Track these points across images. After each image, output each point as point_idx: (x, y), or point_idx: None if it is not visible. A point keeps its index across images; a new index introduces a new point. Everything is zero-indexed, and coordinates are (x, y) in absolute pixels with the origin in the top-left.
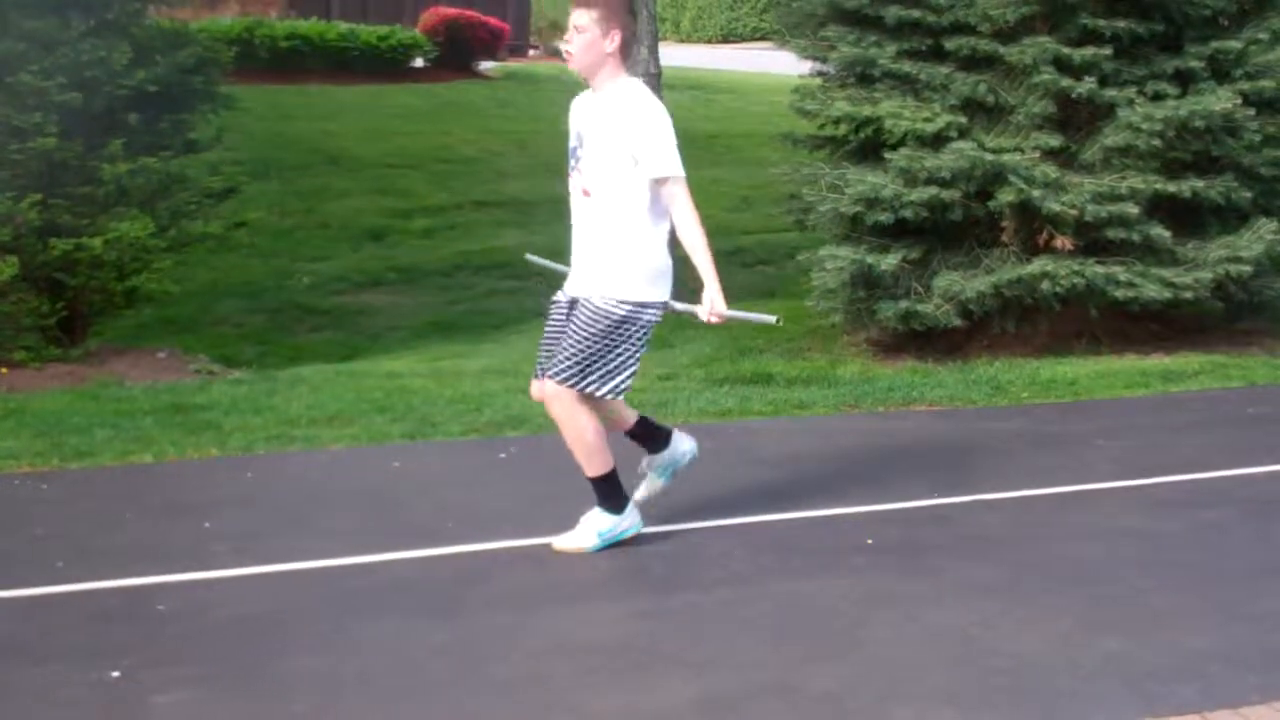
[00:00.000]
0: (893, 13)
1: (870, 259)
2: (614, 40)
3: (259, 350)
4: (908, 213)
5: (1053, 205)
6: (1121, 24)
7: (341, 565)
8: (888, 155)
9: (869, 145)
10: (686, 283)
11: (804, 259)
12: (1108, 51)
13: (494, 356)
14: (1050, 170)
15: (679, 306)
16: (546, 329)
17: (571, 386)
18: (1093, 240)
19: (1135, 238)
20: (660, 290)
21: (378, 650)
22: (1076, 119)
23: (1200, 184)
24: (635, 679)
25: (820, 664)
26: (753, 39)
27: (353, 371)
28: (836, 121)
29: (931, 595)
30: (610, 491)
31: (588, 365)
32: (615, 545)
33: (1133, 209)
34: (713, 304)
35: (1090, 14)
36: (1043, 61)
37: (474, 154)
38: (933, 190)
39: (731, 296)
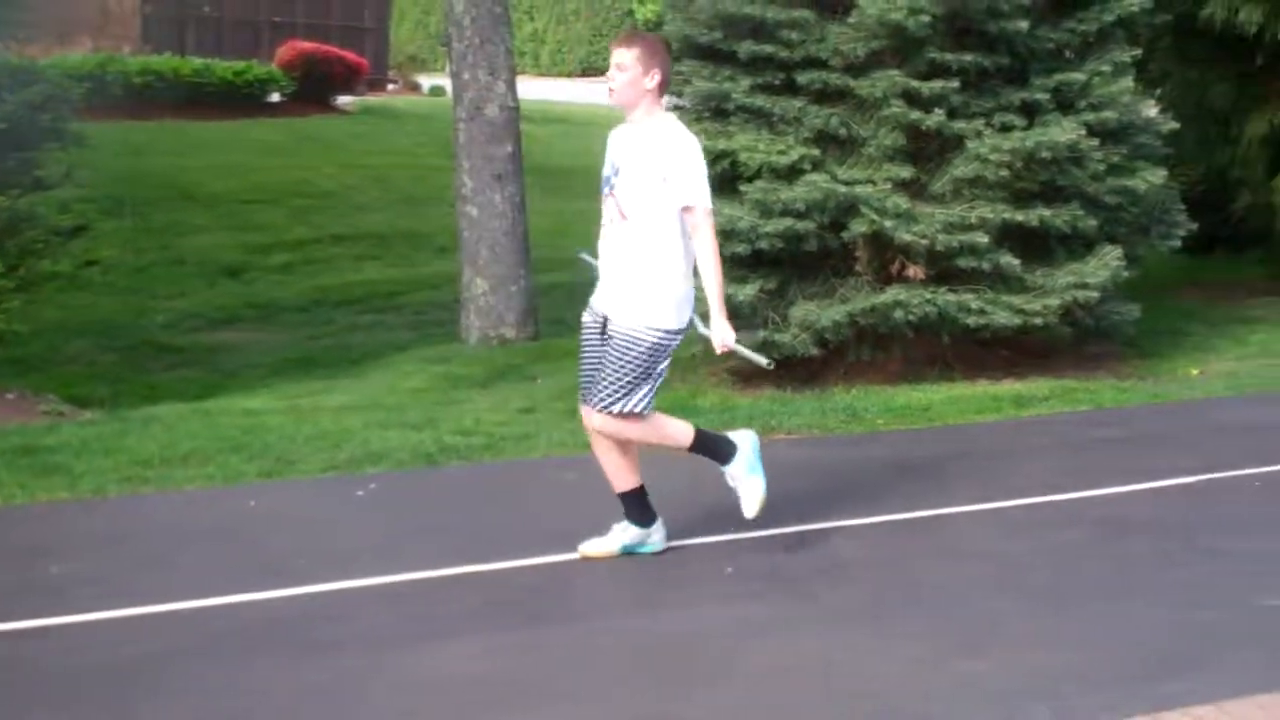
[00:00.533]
0: (746, 48)
1: (729, 289)
2: (654, 78)
3: (112, 390)
4: (764, 244)
5: (904, 235)
6: (969, 58)
7: (203, 607)
8: (744, 188)
9: (725, 178)
10: None
11: None
12: (956, 84)
13: (354, 392)
14: (901, 201)
15: (701, 329)
16: (583, 354)
17: (616, 413)
18: (944, 269)
19: (985, 266)
20: (685, 314)
21: (249, 693)
22: (927, 150)
23: (1047, 213)
24: (509, 713)
25: (691, 693)
26: None
27: (208, 410)
28: None
29: (792, 622)
30: (641, 505)
31: (629, 390)
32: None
33: (982, 238)
34: (722, 337)
35: (938, 48)
36: (892, 95)
37: (332, 188)
38: (788, 222)
39: None
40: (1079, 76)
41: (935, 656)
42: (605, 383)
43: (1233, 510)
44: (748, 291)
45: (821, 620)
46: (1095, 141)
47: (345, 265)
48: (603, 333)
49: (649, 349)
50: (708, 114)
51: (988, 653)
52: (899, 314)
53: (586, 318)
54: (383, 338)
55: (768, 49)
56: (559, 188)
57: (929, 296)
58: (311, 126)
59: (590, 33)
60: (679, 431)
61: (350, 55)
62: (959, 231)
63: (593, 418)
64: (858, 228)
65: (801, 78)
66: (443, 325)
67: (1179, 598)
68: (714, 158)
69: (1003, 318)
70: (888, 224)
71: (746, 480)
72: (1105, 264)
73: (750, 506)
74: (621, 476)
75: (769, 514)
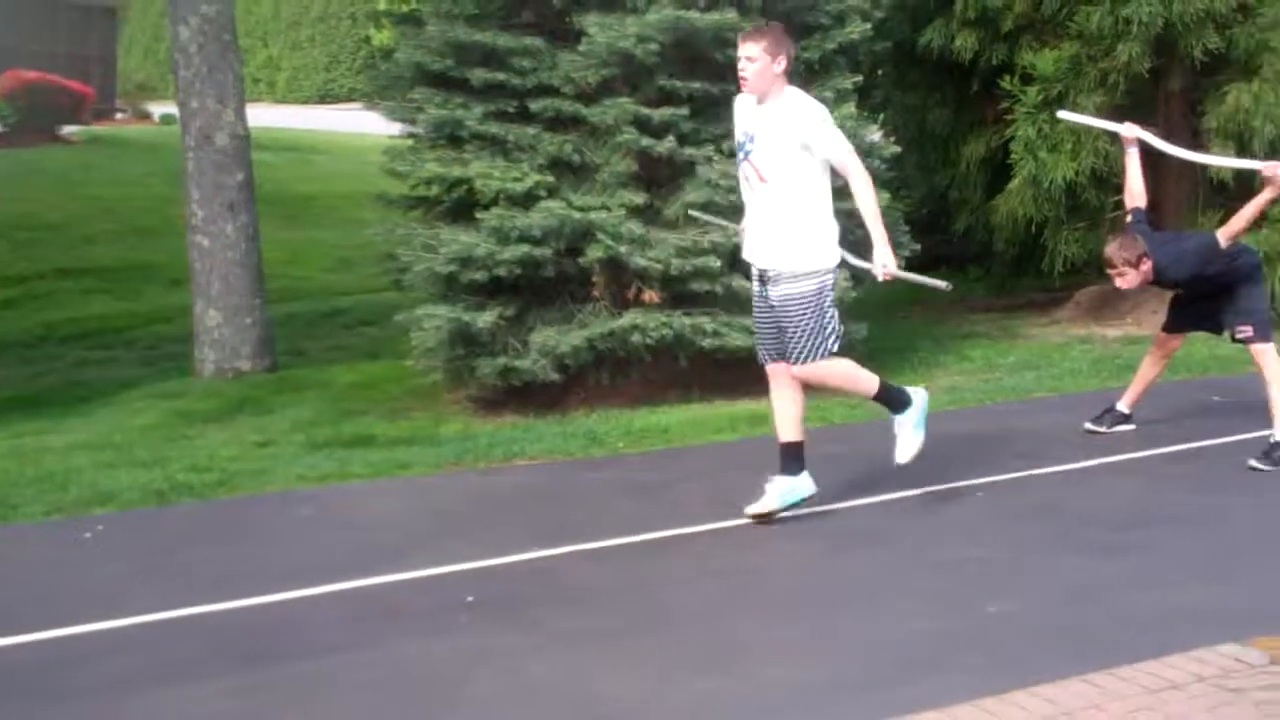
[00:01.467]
0: (478, 75)
1: (467, 317)
2: (780, 63)
3: None
4: (502, 271)
5: (640, 260)
6: (697, 85)
7: None
8: (480, 215)
9: (462, 205)
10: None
11: (403, 319)
12: (685, 111)
13: (81, 431)
14: (636, 227)
15: (854, 260)
16: (756, 313)
17: (813, 361)
18: (679, 292)
19: (718, 289)
20: (835, 252)
21: None
22: (659, 176)
23: None
24: None
25: None
26: (349, 99)
27: None
28: (428, 182)
29: (533, 648)
30: (796, 455)
31: (815, 339)
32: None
33: (715, 262)
34: (885, 264)
35: (668, 76)
36: (624, 122)
37: (58, 220)
38: (525, 248)
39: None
40: None
41: (673, 675)
42: (794, 342)
43: (957, 520)
44: (486, 319)
45: (560, 645)
46: None
47: (72, 300)
48: (763, 283)
49: (815, 295)
50: (442, 141)
51: (725, 670)
52: (637, 338)
53: (756, 285)
54: (113, 374)
55: (500, 76)
56: (294, 216)
57: (665, 320)
58: (36, 158)
59: (327, 59)
60: (868, 380)
61: (75, 85)
62: (692, 256)
63: (796, 373)
64: (594, 253)
65: (535, 105)
66: (176, 360)
67: (907, 607)
68: (449, 185)
69: (737, 339)
70: (623, 249)
71: (911, 432)
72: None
73: (904, 455)
74: (791, 427)
75: (511, 541)
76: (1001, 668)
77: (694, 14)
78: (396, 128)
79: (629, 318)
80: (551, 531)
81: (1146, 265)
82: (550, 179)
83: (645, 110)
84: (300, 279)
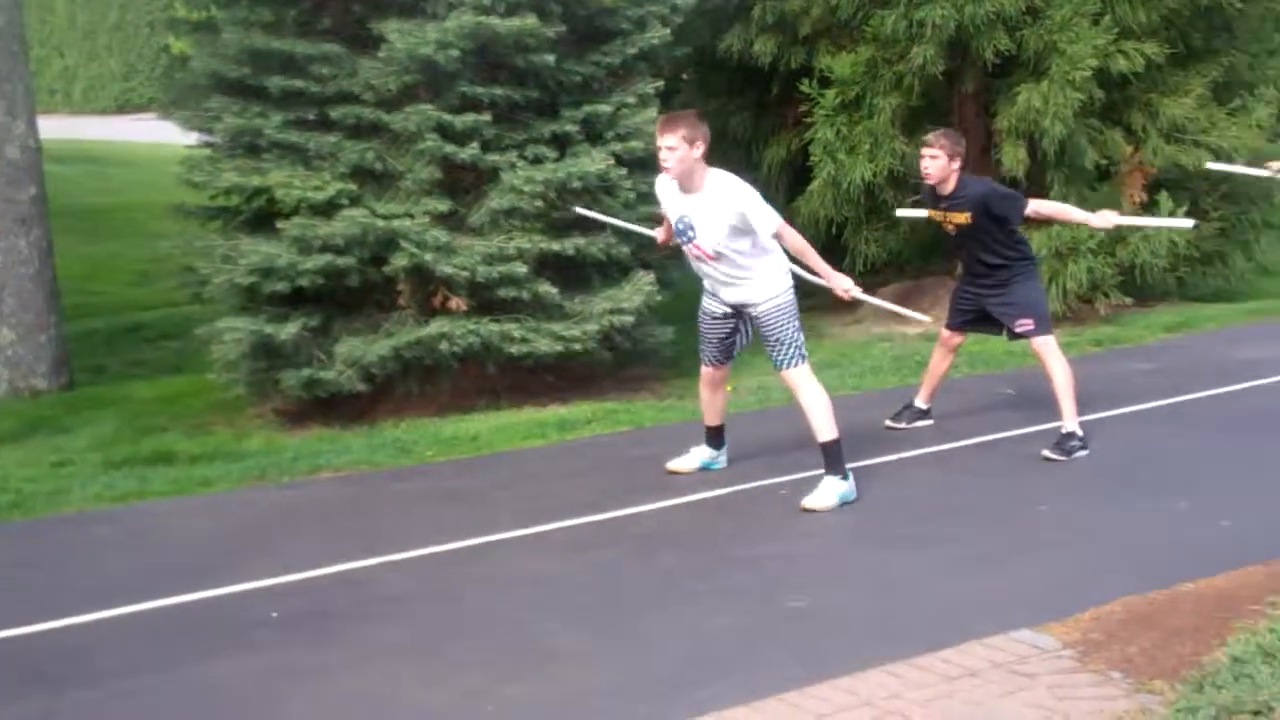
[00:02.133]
0: (276, 83)
1: (270, 329)
2: (698, 148)
3: None
4: (304, 281)
5: (445, 268)
6: (499, 91)
7: None
8: (281, 224)
9: (262, 215)
10: None
11: (203, 332)
12: (488, 118)
13: None
14: (441, 234)
15: (805, 274)
16: (710, 332)
17: (800, 364)
18: (486, 299)
19: (525, 295)
20: (789, 274)
21: None
22: (463, 183)
23: (583, 241)
24: None
25: None
26: (148, 109)
27: None
28: (227, 192)
29: (340, 662)
30: (839, 456)
31: (794, 343)
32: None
33: (521, 268)
34: (846, 287)
35: (469, 82)
36: (426, 129)
37: None
38: (328, 258)
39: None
40: (606, 108)
41: (483, 685)
42: (780, 349)
43: (761, 519)
44: (289, 330)
45: (368, 658)
46: (624, 171)
47: None
48: (737, 315)
49: (788, 305)
50: (240, 150)
51: (534, 676)
52: (444, 346)
53: (713, 306)
54: None
55: (299, 84)
56: (92, 230)
57: (472, 327)
58: None
59: (124, 68)
60: (830, 424)
61: None
62: (498, 262)
63: (786, 379)
64: (398, 262)
65: (335, 112)
66: None
67: (714, 605)
68: (249, 195)
69: (544, 345)
70: (428, 257)
71: (832, 494)
72: (639, 289)
73: (814, 502)
74: (714, 414)
75: (315, 555)
76: (804, 661)
77: (495, 20)
78: (194, 137)
79: (436, 326)
80: (358, 544)
81: (957, 164)
82: (352, 187)
83: (448, 117)
84: (99, 294)
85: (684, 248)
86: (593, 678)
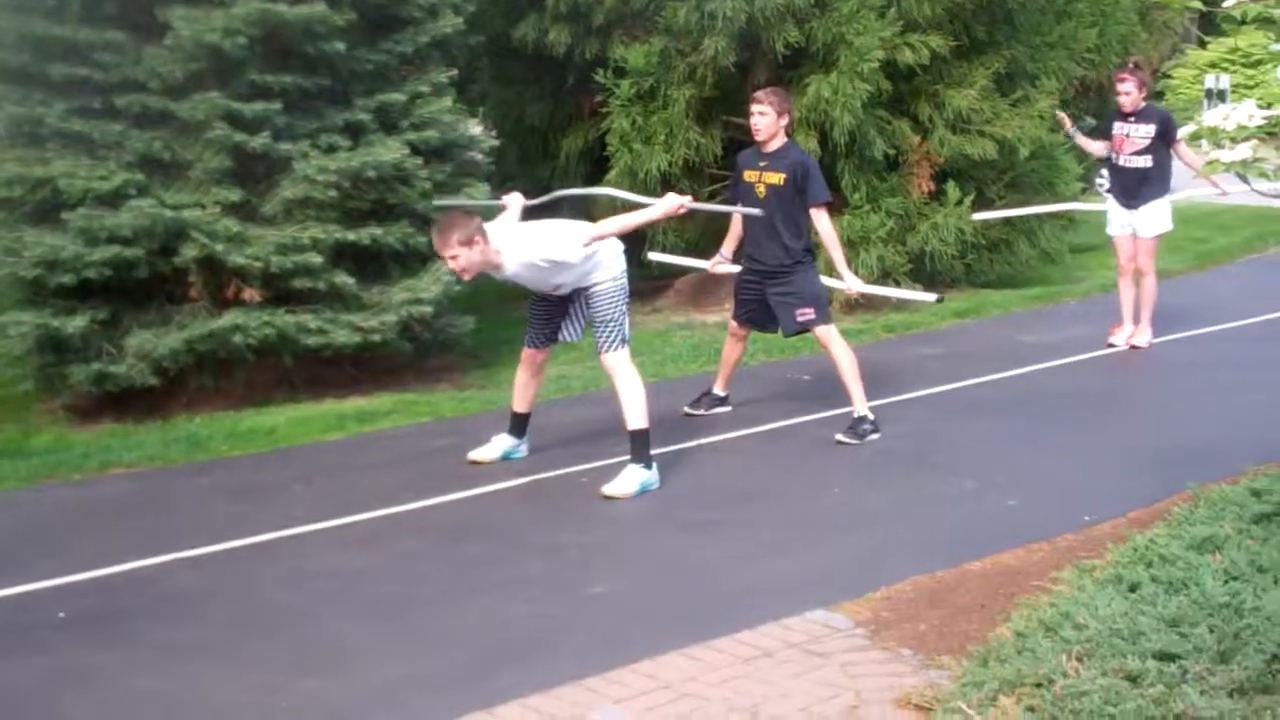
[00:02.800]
0: (58, 70)
1: (56, 322)
2: (785, 119)
3: None
4: (92, 273)
5: (237, 259)
6: (290, 79)
7: None
8: (66, 215)
9: (46, 206)
10: None
11: None
12: (279, 106)
13: None
14: (232, 224)
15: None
16: (535, 312)
17: (620, 349)
18: (281, 290)
19: (321, 286)
20: (622, 258)
21: None
22: (255, 173)
23: (379, 231)
24: None
25: None
26: None
27: None
28: (9, 183)
29: (130, 662)
30: (646, 445)
31: (619, 326)
32: None
33: (316, 258)
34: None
35: (259, 70)
36: (215, 117)
37: None
38: (116, 249)
39: None
40: (400, 97)
41: (279, 680)
42: (605, 329)
43: (562, 507)
44: (77, 323)
45: (160, 657)
46: (420, 160)
47: None
48: (568, 299)
49: (620, 290)
50: (22, 140)
51: (332, 670)
52: (238, 338)
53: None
54: None
55: (82, 71)
56: None
57: (267, 319)
58: None
59: None
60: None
61: None
62: (293, 253)
63: (604, 362)
64: (189, 252)
65: (120, 101)
66: None
67: (514, 594)
68: (32, 185)
69: (342, 336)
70: (219, 248)
71: (634, 481)
72: (438, 279)
73: (613, 490)
74: (523, 401)
75: (106, 553)
76: (604, 647)
77: (283, 7)
78: None
79: (229, 318)
80: (150, 541)
81: (785, 121)
82: (140, 177)
83: (237, 105)
84: None
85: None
86: (391, 670)
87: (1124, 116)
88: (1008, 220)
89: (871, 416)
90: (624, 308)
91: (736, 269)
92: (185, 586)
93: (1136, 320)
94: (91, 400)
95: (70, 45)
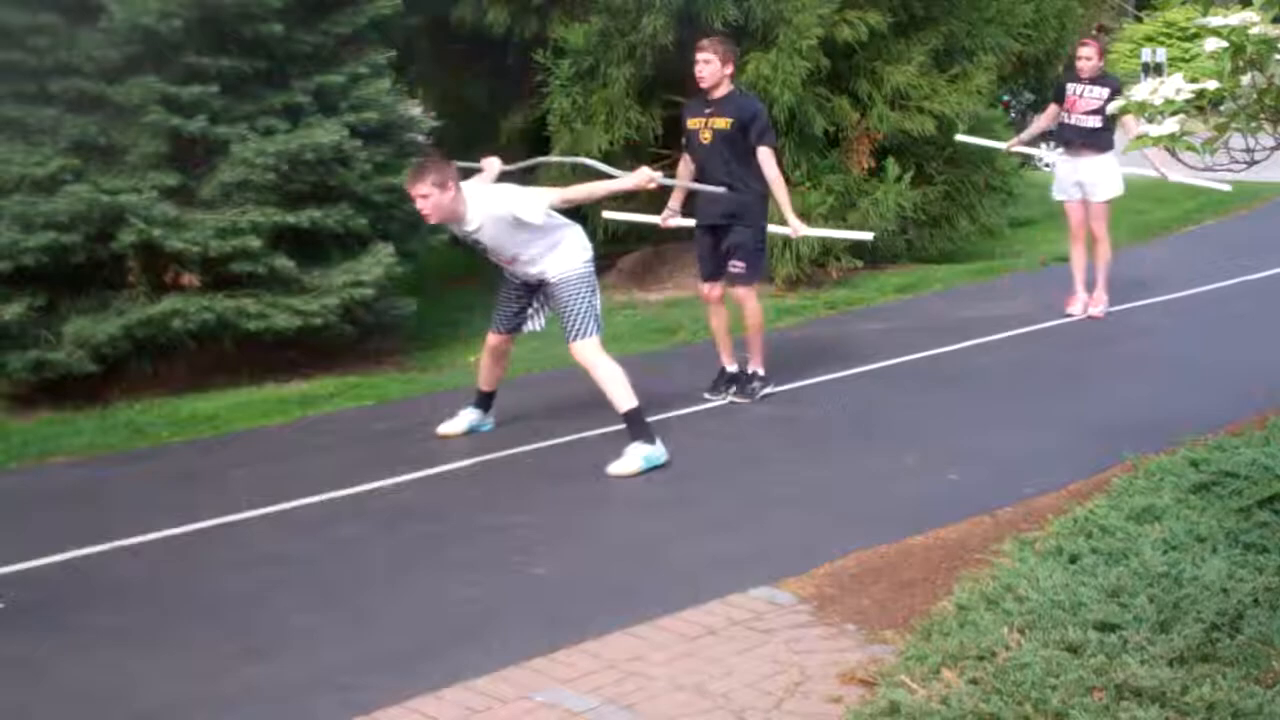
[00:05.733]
0: None
1: None
2: (729, 67)
3: None
4: (28, 259)
5: (175, 243)
6: (226, 62)
7: None
8: (1, 202)
9: None
10: None
11: None
12: (216, 89)
13: None
14: (170, 209)
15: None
16: (503, 296)
17: (590, 337)
18: (220, 275)
19: (261, 270)
20: (589, 249)
21: None
22: (192, 156)
23: (319, 214)
24: None
25: None
26: None
27: None
28: None
29: (69, 651)
30: (643, 422)
31: (587, 316)
32: None
33: (255, 242)
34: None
35: (195, 53)
36: (151, 101)
37: None
38: (52, 235)
39: None
40: (338, 79)
41: (223, 666)
42: (572, 320)
43: (505, 489)
44: (13, 310)
45: (100, 646)
46: (359, 142)
47: None
48: (534, 290)
49: (585, 279)
50: None
51: (276, 655)
52: (178, 323)
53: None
54: None
55: (15, 56)
56: None
57: (206, 304)
58: None
59: None
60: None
61: None
62: (231, 236)
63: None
64: (126, 238)
65: (55, 86)
66: None
67: (459, 576)
68: None
69: (283, 320)
70: (157, 232)
71: (639, 460)
72: (379, 261)
73: (617, 468)
74: (488, 381)
75: (44, 542)
76: (549, 628)
77: None
78: None
79: (168, 303)
80: (89, 529)
81: (730, 69)
82: (76, 162)
83: (173, 89)
84: None
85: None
86: (334, 655)
87: (1078, 79)
88: (947, 195)
89: (763, 372)
90: (591, 298)
91: (688, 223)
92: (127, 575)
93: (1090, 289)
94: (29, 388)
95: (3, 29)
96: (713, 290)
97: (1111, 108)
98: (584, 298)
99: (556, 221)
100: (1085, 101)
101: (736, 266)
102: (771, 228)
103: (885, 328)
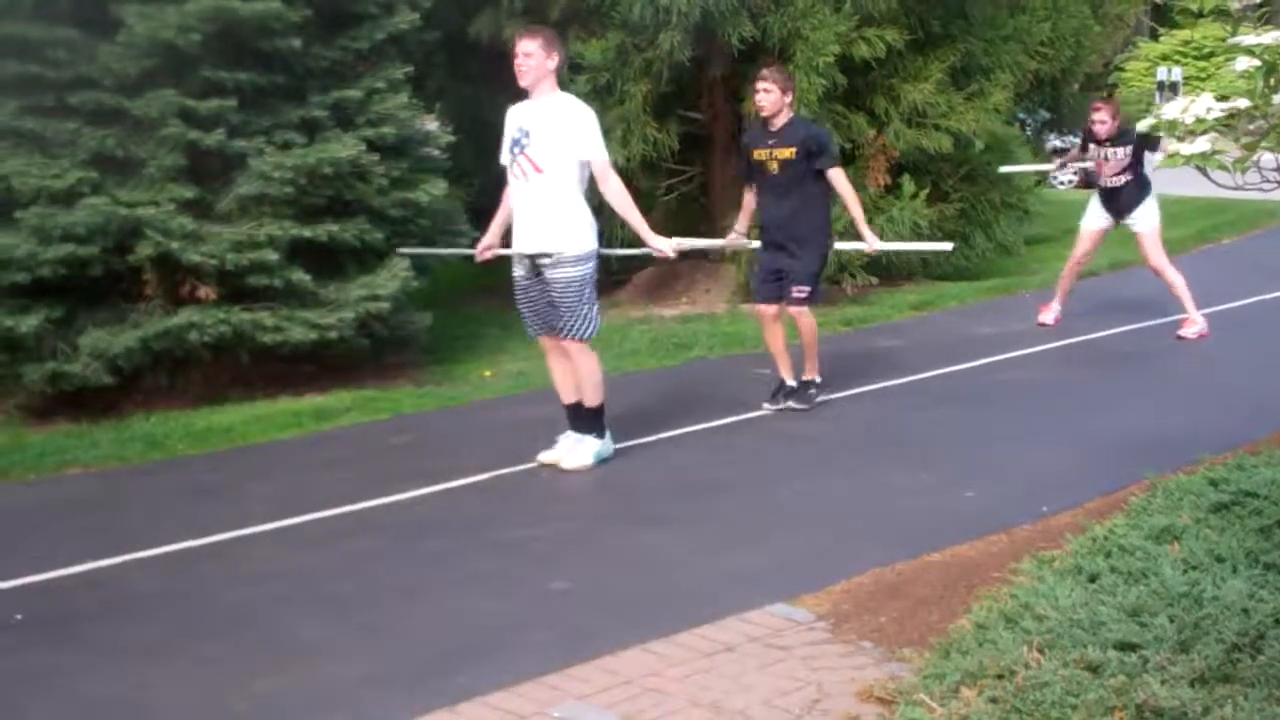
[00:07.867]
0: (10, 68)
1: (10, 321)
2: (554, 60)
3: None
4: (45, 271)
5: (193, 256)
6: (244, 76)
7: None
8: (19, 214)
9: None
10: None
11: None
12: (233, 103)
13: None
14: (187, 222)
15: (621, 251)
16: (523, 297)
17: (584, 338)
18: (237, 288)
19: (277, 283)
20: (595, 236)
21: None
22: (210, 170)
23: (335, 227)
24: None
25: None
26: None
27: None
28: None
29: (87, 665)
30: (601, 419)
31: (585, 317)
32: None
33: (272, 255)
34: (663, 246)
35: (213, 66)
36: (169, 114)
37: None
38: (70, 247)
39: None
40: (356, 93)
41: (233, 681)
42: (567, 320)
43: (521, 503)
44: (30, 322)
45: (116, 659)
46: (376, 156)
47: None
48: (537, 275)
49: (587, 278)
50: None
51: (290, 670)
52: (194, 336)
53: (519, 271)
54: None
55: (34, 69)
56: None
57: (223, 317)
58: None
59: None
60: (599, 390)
61: None
62: (248, 250)
63: (569, 347)
64: (144, 250)
65: (73, 99)
66: None
67: (474, 591)
68: None
69: (299, 333)
70: (174, 245)
71: (589, 453)
72: (395, 275)
73: (571, 462)
74: (570, 391)
75: (62, 554)
76: (565, 643)
77: (237, 3)
78: None
79: (184, 315)
80: (106, 542)
81: (790, 98)
82: (94, 175)
83: (191, 102)
84: None
85: (514, 164)
86: (348, 669)
87: (1099, 141)
88: (963, 213)
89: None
90: (591, 299)
91: (754, 244)
92: (142, 587)
93: (1064, 300)
94: (46, 400)
95: (22, 42)
96: (769, 309)
97: (1142, 125)
98: (584, 299)
99: (585, 202)
100: (1112, 165)
101: (801, 291)
102: (845, 245)
103: (901, 345)
